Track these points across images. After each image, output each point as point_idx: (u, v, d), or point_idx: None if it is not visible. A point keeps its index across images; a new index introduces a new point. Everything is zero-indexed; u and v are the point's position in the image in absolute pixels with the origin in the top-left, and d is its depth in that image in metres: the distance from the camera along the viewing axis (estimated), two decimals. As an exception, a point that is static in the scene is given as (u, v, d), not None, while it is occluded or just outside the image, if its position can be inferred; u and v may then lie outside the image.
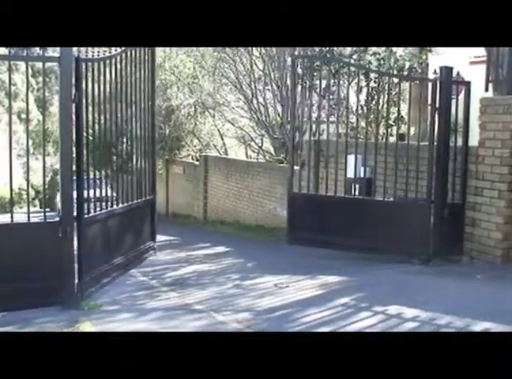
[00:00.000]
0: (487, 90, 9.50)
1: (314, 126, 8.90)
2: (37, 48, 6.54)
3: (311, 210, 8.46)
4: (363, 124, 8.87)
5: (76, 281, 5.88)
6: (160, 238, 12.82)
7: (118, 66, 6.86)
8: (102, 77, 6.44)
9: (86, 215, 6.09)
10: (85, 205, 6.09)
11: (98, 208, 6.48)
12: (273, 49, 12.96)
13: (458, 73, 9.96)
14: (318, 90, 12.75)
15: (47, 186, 7.96)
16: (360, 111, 8.95)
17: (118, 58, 6.87)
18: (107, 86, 6.62)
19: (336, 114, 8.95)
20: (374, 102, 9.12)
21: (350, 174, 8.51)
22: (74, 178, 5.89)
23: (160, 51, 16.47)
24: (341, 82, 8.99)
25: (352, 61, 9.93)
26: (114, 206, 6.94)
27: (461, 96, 7.48)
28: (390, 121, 9.12)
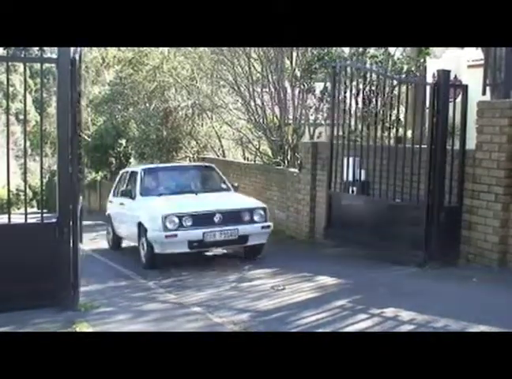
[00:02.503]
0: (484, 93, 9.52)
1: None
2: (35, 49, 6.50)
3: (342, 209, 8.84)
4: (360, 127, 8.86)
5: (72, 282, 5.86)
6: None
7: None
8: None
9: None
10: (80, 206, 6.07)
11: None
12: (271, 51, 12.95)
13: (456, 77, 9.99)
14: (315, 92, 12.84)
15: (44, 187, 7.94)
16: (359, 114, 8.94)
17: None
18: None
19: (336, 116, 8.94)
20: (372, 104, 9.12)
21: (347, 176, 8.62)
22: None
23: (158, 53, 16.51)
24: (339, 85, 8.98)
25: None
26: None
27: (459, 99, 7.50)
28: (388, 124, 9.12)
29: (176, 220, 8.12)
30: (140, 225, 8.64)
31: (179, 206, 8.49)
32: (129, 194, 9.51)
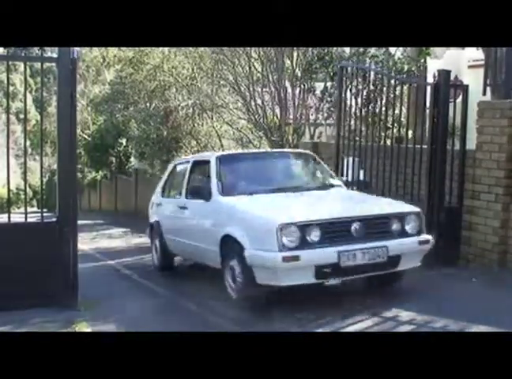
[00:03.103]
0: (484, 94, 9.51)
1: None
2: (36, 48, 6.50)
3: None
4: (365, 127, 8.86)
5: (72, 281, 5.87)
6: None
7: None
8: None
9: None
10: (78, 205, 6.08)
11: None
12: (272, 51, 12.95)
13: (456, 77, 9.98)
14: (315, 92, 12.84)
15: (44, 186, 7.91)
16: (359, 114, 8.93)
17: None
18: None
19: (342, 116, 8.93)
20: (372, 105, 9.13)
21: (352, 176, 8.61)
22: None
23: (158, 53, 16.50)
24: (345, 85, 8.97)
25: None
26: None
27: (459, 100, 7.49)
28: (388, 124, 9.13)
29: (298, 233, 5.22)
30: (226, 239, 5.83)
31: (297, 211, 5.63)
32: (198, 193, 6.65)
